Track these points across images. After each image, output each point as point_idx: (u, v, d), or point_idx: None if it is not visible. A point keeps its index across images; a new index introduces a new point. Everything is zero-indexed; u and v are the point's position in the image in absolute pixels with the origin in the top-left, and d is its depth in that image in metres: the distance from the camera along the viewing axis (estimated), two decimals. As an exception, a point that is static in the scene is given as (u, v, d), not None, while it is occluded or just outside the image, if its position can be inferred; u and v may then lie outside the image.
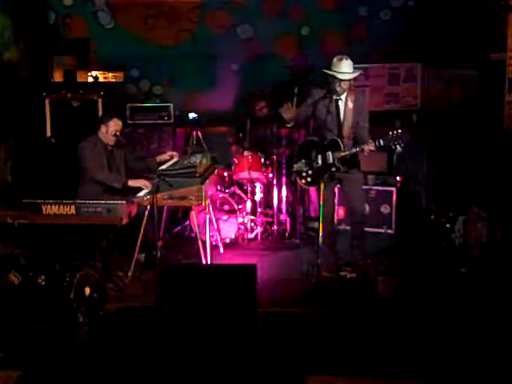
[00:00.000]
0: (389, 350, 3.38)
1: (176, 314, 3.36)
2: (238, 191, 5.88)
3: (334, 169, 4.55)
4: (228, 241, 5.61)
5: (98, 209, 3.99)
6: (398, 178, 5.87)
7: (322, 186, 4.38)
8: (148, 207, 4.50)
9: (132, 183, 4.71)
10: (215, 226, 5.41)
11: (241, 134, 6.23)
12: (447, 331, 3.60)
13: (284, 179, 5.91)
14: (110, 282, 4.43)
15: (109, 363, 3.29)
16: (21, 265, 4.07)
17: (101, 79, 6.78)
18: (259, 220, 5.84)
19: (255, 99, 6.44)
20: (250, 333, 3.28)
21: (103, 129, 4.77)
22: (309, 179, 4.70)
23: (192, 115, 6.50)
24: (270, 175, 5.90)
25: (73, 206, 3.99)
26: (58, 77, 6.83)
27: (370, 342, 3.48)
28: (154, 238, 4.28)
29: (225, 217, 5.61)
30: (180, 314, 3.36)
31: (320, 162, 4.60)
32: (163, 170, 4.62)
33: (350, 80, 4.46)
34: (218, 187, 5.76)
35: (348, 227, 5.15)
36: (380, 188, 5.80)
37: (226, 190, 5.79)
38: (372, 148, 4.36)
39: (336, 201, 5.02)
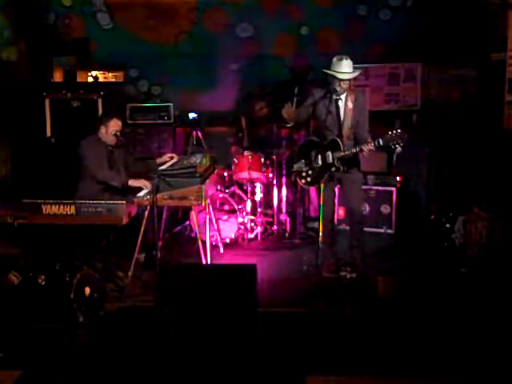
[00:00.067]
0: (389, 349, 3.39)
1: (176, 314, 3.36)
2: (238, 191, 5.88)
3: (333, 169, 4.54)
4: (228, 241, 5.61)
5: (98, 209, 3.99)
6: (398, 178, 5.88)
7: (322, 186, 4.38)
8: (148, 207, 4.50)
9: (132, 183, 4.70)
10: (215, 226, 5.40)
11: (240, 134, 6.24)
12: (447, 331, 3.60)
13: (284, 179, 5.91)
14: (110, 281, 4.43)
15: (109, 363, 3.29)
16: (21, 265, 4.08)
17: (101, 79, 6.78)
18: (259, 220, 5.84)
19: (255, 99, 6.45)
20: (250, 333, 3.28)
21: (103, 129, 4.77)
22: (309, 179, 4.69)
23: (192, 115, 6.49)
24: (270, 175, 5.90)
25: (73, 206, 3.98)
26: (58, 77, 6.84)
27: (370, 342, 3.48)
28: (154, 238, 4.28)
29: (225, 217, 5.61)
30: (180, 314, 3.36)
31: (320, 161, 4.60)
32: (163, 170, 4.62)
33: (349, 80, 4.46)
34: (218, 187, 5.76)
35: (348, 227, 5.15)
36: (380, 188, 5.81)
37: (226, 190, 5.79)
38: (372, 148, 4.35)
39: (336, 201, 5.02)
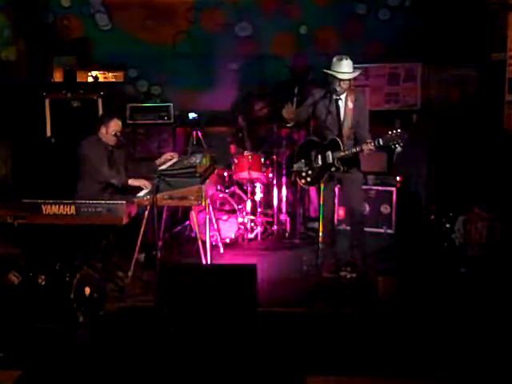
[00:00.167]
0: (389, 349, 3.38)
1: (176, 314, 3.36)
2: (238, 191, 5.88)
3: (333, 169, 4.54)
4: (228, 241, 5.61)
5: (98, 209, 3.99)
6: (398, 178, 5.87)
7: (322, 185, 4.38)
8: (148, 207, 4.50)
9: (132, 183, 4.70)
10: (215, 226, 5.40)
11: (240, 134, 6.24)
12: (447, 331, 3.60)
13: (284, 179, 5.91)
14: (110, 281, 4.43)
15: (109, 363, 3.29)
16: (21, 265, 4.08)
17: (101, 79, 6.78)
18: (259, 220, 5.84)
19: (255, 99, 6.44)
20: (250, 333, 3.28)
21: (103, 129, 4.76)
22: (309, 179, 4.69)
23: (192, 115, 6.49)
24: (270, 175, 5.90)
25: (73, 206, 3.98)
26: (58, 77, 6.84)
27: (370, 342, 3.48)
28: (154, 238, 4.28)
29: (225, 217, 5.61)
30: (180, 314, 3.36)
31: (320, 161, 4.60)
32: (163, 170, 4.61)
33: (349, 80, 4.46)
34: (218, 187, 5.76)
35: (348, 227, 5.15)
36: (380, 188, 5.81)
37: (226, 190, 5.79)
38: (371, 148, 4.35)
39: (336, 201, 5.02)
